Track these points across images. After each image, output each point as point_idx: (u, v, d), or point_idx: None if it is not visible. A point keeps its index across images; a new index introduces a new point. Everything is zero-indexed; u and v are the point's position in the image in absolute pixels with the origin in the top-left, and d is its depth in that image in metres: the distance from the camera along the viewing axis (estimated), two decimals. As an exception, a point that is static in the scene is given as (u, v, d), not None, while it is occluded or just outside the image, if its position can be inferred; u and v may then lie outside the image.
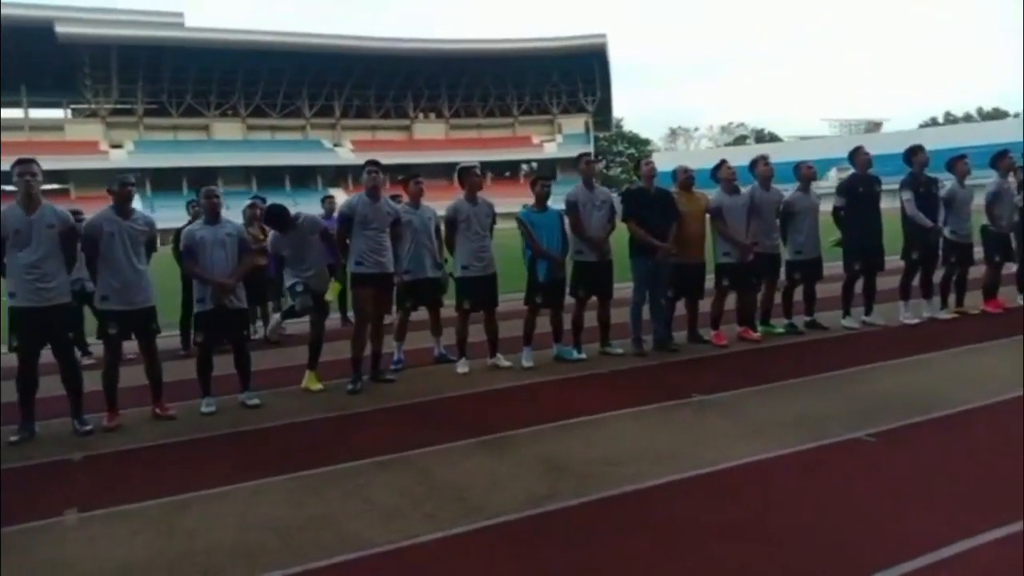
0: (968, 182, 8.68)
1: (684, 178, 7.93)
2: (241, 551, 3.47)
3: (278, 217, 6.60)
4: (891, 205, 8.52)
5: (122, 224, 5.76)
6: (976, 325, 8.15)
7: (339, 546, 3.45)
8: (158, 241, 6.31)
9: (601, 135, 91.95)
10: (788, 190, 8.27)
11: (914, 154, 8.42)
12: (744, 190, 7.95)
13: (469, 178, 7.19)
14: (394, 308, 7.49)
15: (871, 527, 3.40)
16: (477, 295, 7.18)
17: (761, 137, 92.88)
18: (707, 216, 7.83)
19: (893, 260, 8.54)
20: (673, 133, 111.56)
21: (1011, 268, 9.12)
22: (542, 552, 3.36)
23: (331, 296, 6.72)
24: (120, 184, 5.84)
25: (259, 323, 9.67)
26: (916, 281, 8.52)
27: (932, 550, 3.11)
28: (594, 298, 7.54)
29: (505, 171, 79.39)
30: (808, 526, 3.47)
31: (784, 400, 5.63)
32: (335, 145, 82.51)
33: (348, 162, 76.75)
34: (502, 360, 7.31)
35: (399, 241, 7.32)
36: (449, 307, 7.53)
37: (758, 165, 8.15)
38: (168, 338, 7.68)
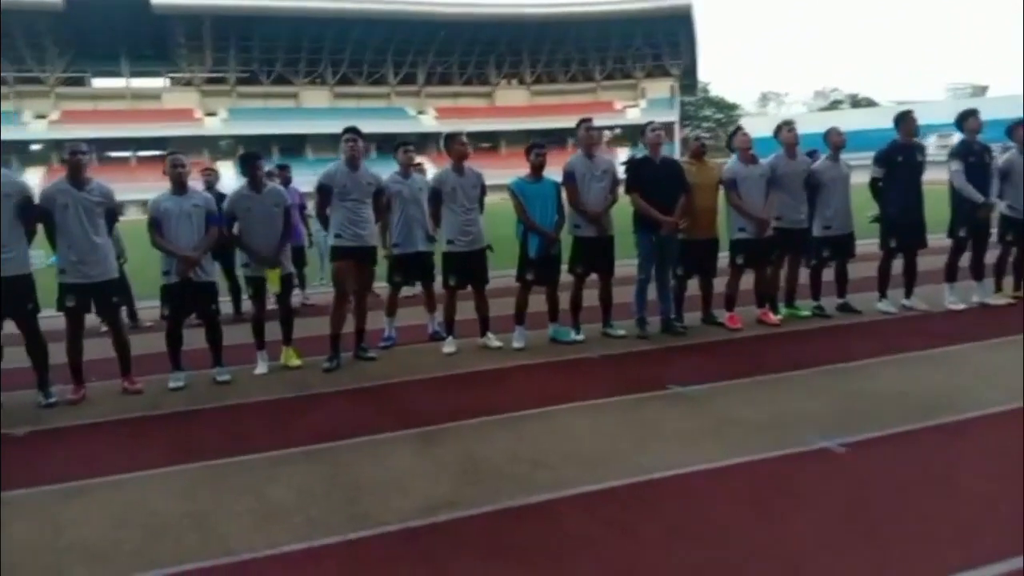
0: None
1: (695, 147, 7.30)
2: (95, 552, 3.25)
3: (250, 165, 6.29)
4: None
5: (76, 195, 5.62)
6: (1030, 312, 7.25)
7: (194, 552, 3.19)
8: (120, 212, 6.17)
9: (687, 100, 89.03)
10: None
11: (965, 119, 7.50)
12: (765, 160, 7.26)
13: (454, 146, 6.76)
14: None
15: (801, 565, 2.90)
16: (465, 271, 6.80)
17: (857, 102, 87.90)
18: (720, 188, 7.19)
19: (941, 238, 7.71)
20: (764, 97, 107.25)
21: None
22: (409, 570, 3.01)
23: (273, 286, 6.41)
24: (71, 153, 5.69)
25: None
26: (966, 262, 7.67)
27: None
28: (595, 276, 7.07)
29: (586, 137, 77.88)
30: (719, 559, 3.00)
31: (766, 396, 5.06)
32: (419, 112, 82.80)
33: (431, 129, 77.01)
34: (492, 340, 6.93)
35: (387, 212, 7.04)
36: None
37: (782, 131, 7.43)
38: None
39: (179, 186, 6.08)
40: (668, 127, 74.80)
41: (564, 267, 7.02)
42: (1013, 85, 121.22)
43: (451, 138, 6.83)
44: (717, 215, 7.19)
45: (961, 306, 7.51)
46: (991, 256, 7.78)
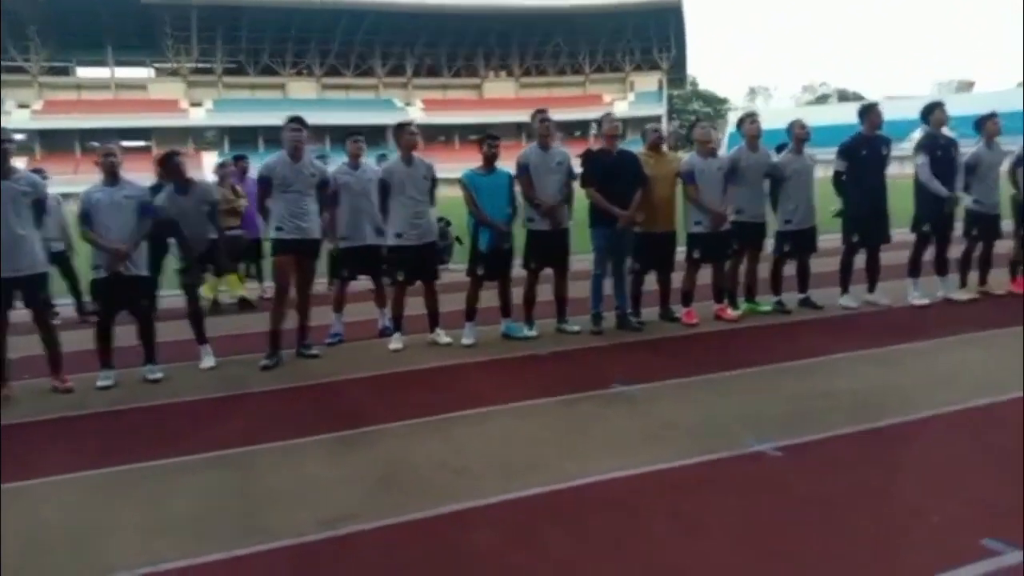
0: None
1: (653, 138, 7.10)
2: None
3: (171, 168, 6.05)
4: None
5: (1, 185, 5.36)
6: (994, 308, 7.11)
7: (61, 571, 2.97)
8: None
9: (675, 93, 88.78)
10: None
11: (931, 112, 7.32)
12: (726, 153, 7.08)
13: (404, 136, 6.52)
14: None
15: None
16: (413, 266, 6.59)
17: (845, 96, 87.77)
18: (678, 180, 6.99)
19: (906, 232, 7.56)
20: (752, 91, 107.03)
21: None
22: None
23: (208, 292, 6.19)
24: None
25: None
26: (931, 257, 7.51)
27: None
28: (549, 271, 6.88)
29: (575, 130, 77.72)
30: (625, 573, 2.80)
31: (710, 396, 4.87)
32: (406, 104, 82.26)
33: (418, 121, 76.49)
34: (442, 336, 6.72)
35: (333, 205, 6.81)
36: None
37: (744, 123, 7.24)
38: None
39: (111, 176, 5.83)
40: (656, 120, 75.25)
41: (518, 262, 6.82)
42: (999, 81, 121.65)
43: (400, 128, 6.60)
44: (675, 208, 6.99)
45: (925, 301, 7.34)
46: (956, 251, 7.62)
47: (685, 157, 7.09)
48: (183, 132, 72.69)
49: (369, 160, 7.23)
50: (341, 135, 7.22)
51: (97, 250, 5.77)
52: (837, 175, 7.40)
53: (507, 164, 6.75)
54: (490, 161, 6.66)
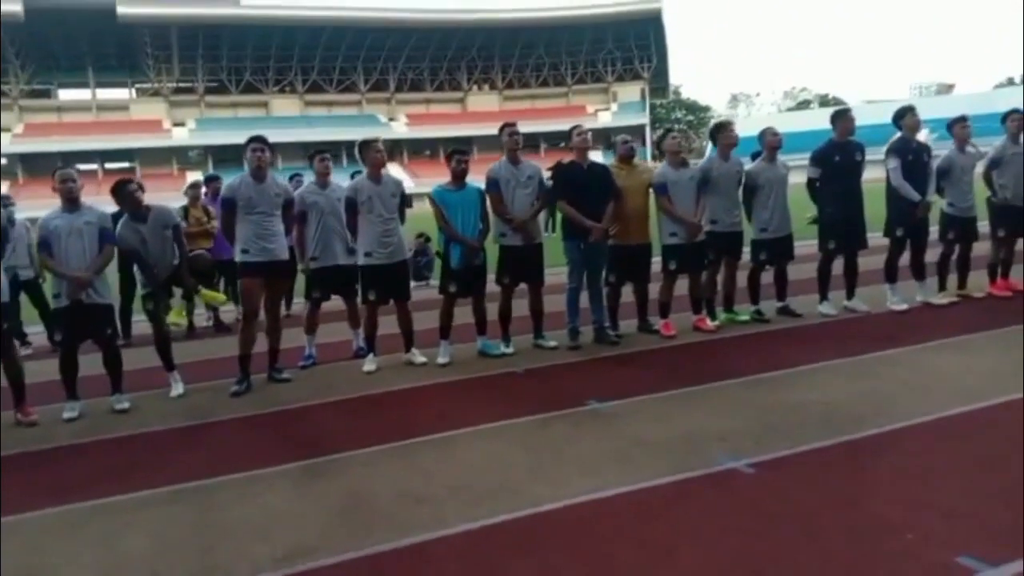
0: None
1: (624, 150, 7.03)
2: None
3: (124, 196, 5.92)
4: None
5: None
6: (973, 312, 7.06)
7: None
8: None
9: (658, 103, 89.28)
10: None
11: (902, 116, 7.29)
12: (696, 162, 7.02)
13: (369, 154, 6.41)
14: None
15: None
16: (384, 285, 6.48)
17: (826, 102, 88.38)
18: (651, 192, 6.92)
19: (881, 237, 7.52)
20: (734, 99, 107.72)
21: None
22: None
23: (175, 318, 6.08)
24: None
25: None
26: (908, 261, 7.46)
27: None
28: (524, 286, 6.79)
29: (560, 142, 77.87)
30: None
31: (685, 411, 4.77)
32: (390, 119, 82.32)
33: (402, 136, 76.69)
34: (417, 356, 6.61)
35: (302, 225, 6.71)
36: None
37: (718, 133, 7.19)
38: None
39: (70, 203, 5.71)
40: (639, 130, 75.51)
41: (492, 278, 6.73)
42: (979, 83, 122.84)
43: (366, 145, 6.49)
44: (649, 220, 6.92)
45: (904, 306, 7.29)
46: (933, 255, 7.58)
47: (657, 168, 7.01)
48: (166, 152, 72.51)
49: (338, 179, 7.12)
50: (324, 151, 7.09)
51: (57, 278, 5.64)
52: (811, 182, 7.36)
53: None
54: (459, 177, 6.58)
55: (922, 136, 7.56)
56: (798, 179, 7.58)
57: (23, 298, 8.40)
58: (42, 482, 4.37)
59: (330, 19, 76.26)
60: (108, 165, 69.40)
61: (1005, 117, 7.49)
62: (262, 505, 3.78)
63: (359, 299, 6.82)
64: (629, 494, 3.57)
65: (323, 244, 6.75)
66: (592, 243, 6.58)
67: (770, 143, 7.23)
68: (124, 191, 5.91)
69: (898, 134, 7.35)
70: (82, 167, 66.07)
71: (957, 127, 7.39)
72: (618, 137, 7.12)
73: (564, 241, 6.75)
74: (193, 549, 3.34)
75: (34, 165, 66.09)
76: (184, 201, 9.19)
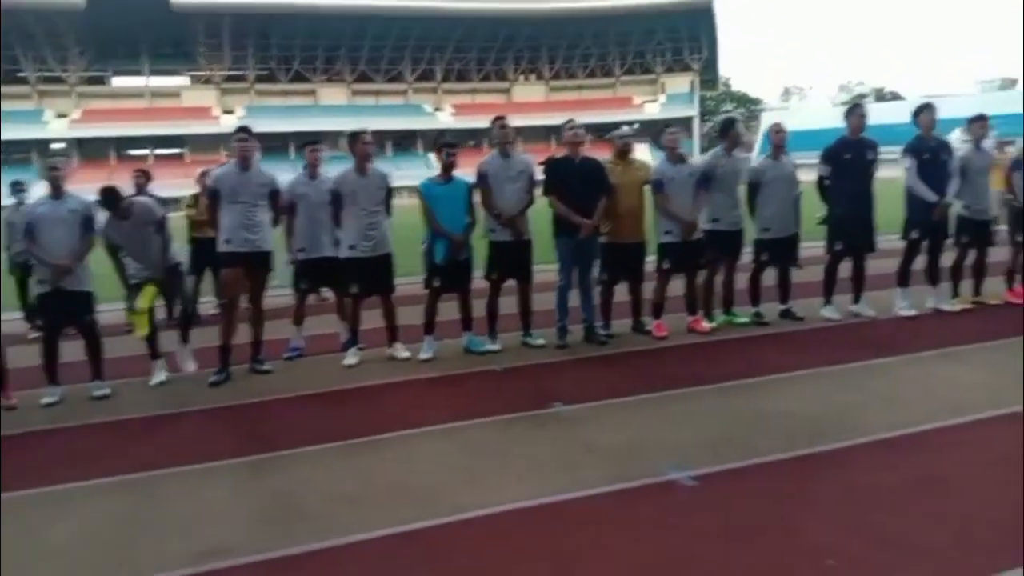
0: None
1: (619, 146, 6.83)
2: None
3: (106, 197, 5.94)
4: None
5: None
6: (983, 320, 6.73)
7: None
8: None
9: (708, 95, 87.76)
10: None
11: (919, 113, 6.95)
12: (697, 158, 6.79)
13: (357, 145, 6.35)
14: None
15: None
16: (368, 278, 6.41)
17: (882, 96, 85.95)
18: (647, 190, 6.73)
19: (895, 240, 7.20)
20: (787, 92, 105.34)
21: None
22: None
23: (144, 303, 6.08)
24: None
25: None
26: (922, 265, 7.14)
27: None
28: (513, 282, 6.67)
29: (605, 133, 77.18)
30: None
31: (645, 417, 4.61)
32: (436, 109, 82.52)
33: (448, 126, 76.80)
34: (400, 351, 6.54)
35: (291, 216, 6.68)
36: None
37: (730, 129, 6.95)
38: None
39: (55, 190, 5.77)
40: (688, 122, 74.44)
41: (479, 273, 6.62)
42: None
43: (354, 137, 6.42)
44: (643, 217, 6.73)
45: (912, 312, 6.97)
46: (950, 259, 7.24)
47: (655, 165, 6.81)
48: (215, 139, 73.70)
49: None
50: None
51: (40, 264, 5.71)
52: (821, 180, 7.07)
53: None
54: (448, 170, 6.47)
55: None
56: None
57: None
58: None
59: (379, 8, 76.57)
60: (159, 151, 70.96)
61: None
62: (201, 499, 3.76)
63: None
64: (556, 504, 3.44)
65: (311, 236, 6.71)
66: (582, 239, 6.42)
67: (775, 140, 6.97)
68: (107, 197, 5.94)
69: (915, 132, 7.02)
70: (134, 152, 68.53)
71: (975, 126, 7.03)
72: (614, 133, 6.91)
73: (555, 237, 6.60)
74: (117, 543, 3.32)
75: (90, 149, 67.90)
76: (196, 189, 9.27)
